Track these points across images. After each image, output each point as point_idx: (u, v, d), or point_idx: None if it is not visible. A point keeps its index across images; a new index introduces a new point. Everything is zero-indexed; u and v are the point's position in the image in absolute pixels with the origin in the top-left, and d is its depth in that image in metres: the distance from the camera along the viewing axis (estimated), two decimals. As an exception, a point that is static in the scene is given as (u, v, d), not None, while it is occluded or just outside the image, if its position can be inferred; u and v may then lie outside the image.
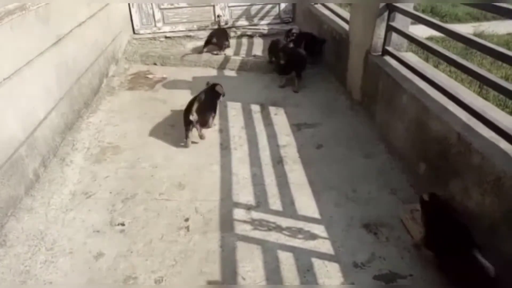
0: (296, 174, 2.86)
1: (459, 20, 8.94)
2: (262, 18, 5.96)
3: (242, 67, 4.90)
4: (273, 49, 4.65)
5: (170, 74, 4.78)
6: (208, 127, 3.40)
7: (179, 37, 5.71)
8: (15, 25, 2.63)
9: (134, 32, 5.73)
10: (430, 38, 5.91)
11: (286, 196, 2.63)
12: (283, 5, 5.92)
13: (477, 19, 8.84)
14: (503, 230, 1.87)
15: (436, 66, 4.35)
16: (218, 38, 5.14)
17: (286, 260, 2.14)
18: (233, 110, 3.85)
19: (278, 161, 3.01)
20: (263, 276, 2.05)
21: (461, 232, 1.94)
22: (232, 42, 5.57)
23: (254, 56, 5.15)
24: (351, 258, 2.14)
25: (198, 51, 5.21)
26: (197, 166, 2.97)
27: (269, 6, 5.88)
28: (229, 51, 5.32)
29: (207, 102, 3.37)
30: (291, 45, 4.54)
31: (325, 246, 2.22)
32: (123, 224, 2.41)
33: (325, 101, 3.98)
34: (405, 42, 3.31)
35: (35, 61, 2.88)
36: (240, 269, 2.09)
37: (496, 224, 1.92)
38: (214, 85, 3.67)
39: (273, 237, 2.30)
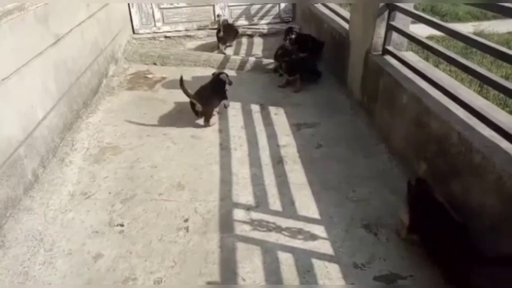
0: (296, 174, 2.85)
1: (459, 19, 8.93)
2: (262, 18, 5.96)
3: (242, 67, 4.89)
4: (280, 55, 4.43)
5: (170, 74, 4.77)
6: (210, 117, 3.54)
7: (178, 36, 5.70)
8: (13, 25, 2.62)
9: (133, 32, 5.73)
10: (431, 37, 5.90)
11: (286, 196, 2.62)
12: (283, 5, 5.92)
13: (477, 18, 8.83)
14: (504, 230, 1.86)
15: (436, 66, 4.33)
16: (224, 32, 5.17)
17: (286, 261, 2.13)
18: (233, 110, 3.84)
19: (278, 161, 3.00)
20: (262, 277, 2.04)
21: (445, 214, 1.98)
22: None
23: (254, 55, 5.14)
24: (351, 258, 2.14)
25: (210, 47, 5.24)
26: (196, 166, 2.96)
27: (269, 5, 5.88)
28: (229, 51, 5.31)
29: (212, 91, 3.56)
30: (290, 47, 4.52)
31: (325, 247, 2.21)
32: (122, 225, 2.40)
33: (325, 100, 3.97)
34: (405, 41, 3.31)
35: (34, 61, 2.87)
36: (239, 269, 2.09)
37: (497, 224, 1.91)
38: (219, 73, 3.76)
39: (272, 237, 2.29)
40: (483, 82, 2.40)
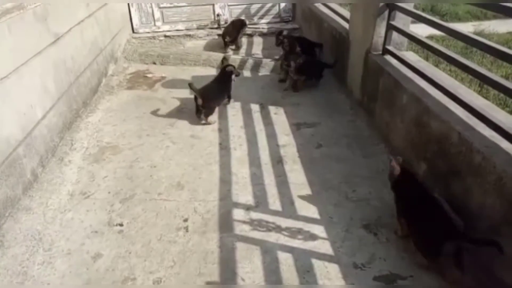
0: (296, 174, 2.84)
1: (459, 19, 8.93)
2: (261, 17, 5.94)
3: (242, 66, 4.88)
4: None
5: (169, 74, 4.77)
6: (211, 113, 3.60)
7: (178, 36, 5.69)
8: (12, 24, 2.61)
9: (133, 31, 5.71)
10: (431, 37, 5.90)
11: (285, 196, 2.61)
12: (282, 4, 5.90)
13: (477, 18, 8.83)
14: (505, 230, 1.86)
15: (436, 65, 4.32)
16: (234, 27, 5.23)
17: (286, 261, 2.12)
18: (233, 110, 3.83)
19: (277, 161, 3.00)
20: (262, 277, 2.04)
21: (428, 194, 2.09)
22: (232, 41, 5.55)
23: (254, 55, 5.14)
24: (351, 258, 2.13)
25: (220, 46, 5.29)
26: (196, 166, 2.95)
27: (269, 5, 5.86)
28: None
29: (216, 86, 3.70)
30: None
31: (325, 247, 2.21)
32: (121, 225, 2.40)
33: (325, 100, 3.97)
34: (405, 41, 3.30)
35: (33, 60, 2.86)
36: (239, 269, 2.08)
37: (497, 225, 1.90)
38: (226, 66, 3.83)
39: (272, 237, 2.28)
40: (483, 82, 2.39)
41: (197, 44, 5.52)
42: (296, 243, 2.24)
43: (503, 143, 2.00)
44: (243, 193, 2.65)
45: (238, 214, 2.47)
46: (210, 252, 2.19)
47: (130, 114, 3.76)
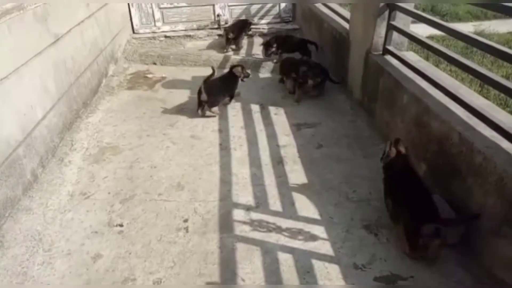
0: (296, 174, 2.84)
1: (459, 19, 8.93)
2: (262, 18, 5.94)
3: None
4: (288, 67, 4.23)
5: (170, 74, 4.77)
6: (214, 106, 3.64)
7: (178, 36, 5.68)
8: (12, 25, 2.61)
9: (133, 32, 5.71)
10: (431, 37, 5.89)
11: (286, 197, 2.61)
12: (283, 4, 5.90)
13: (477, 18, 8.83)
14: (505, 231, 1.85)
15: (436, 65, 4.32)
16: (238, 26, 5.27)
17: (286, 262, 2.12)
18: (233, 110, 3.83)
19: (278, 161, 2.99)
20: (262, 277, 2.03)
21: (416, 180, 2.17)
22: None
23: (254, 55, 5.13)
24: (352, 259, 2.13)
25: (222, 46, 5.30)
26: (196, 167, 2.95)
27: (269, 5, 5.86)
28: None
29: (221, 84, 3.73)
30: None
31: (325, 247, 2.20)
32: (121, 225, 2.39)
33: (325, 100, 3.96)
34: (405, 41, 3.29)
35: (33, 61, 2.86)
36: (239, 270, 2.08)
37: (498, 225, 1.89)
38: (234, 66, 3.85)
39: (272, 238, 2.28)
40: (484, 82, 2.38)
41: (197, 45, 5.52)
42: (297, 243, 2.23)
43: (504, 143, 1.99)
44: (243, 194, 2.65)
45: (238, 214, 2.46)
46: (210, 252, 2.19)
47: (130, 114, 3.76)
